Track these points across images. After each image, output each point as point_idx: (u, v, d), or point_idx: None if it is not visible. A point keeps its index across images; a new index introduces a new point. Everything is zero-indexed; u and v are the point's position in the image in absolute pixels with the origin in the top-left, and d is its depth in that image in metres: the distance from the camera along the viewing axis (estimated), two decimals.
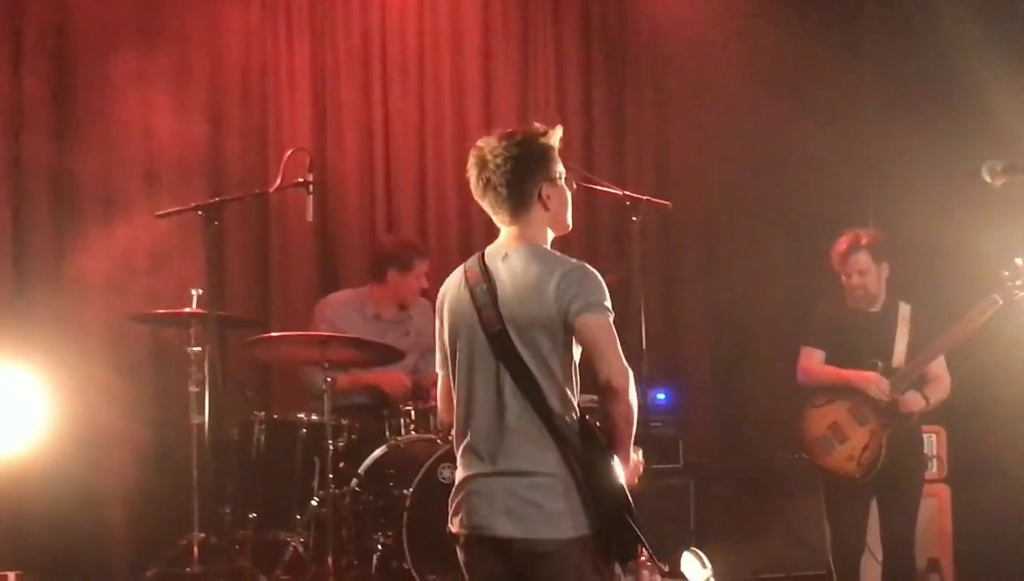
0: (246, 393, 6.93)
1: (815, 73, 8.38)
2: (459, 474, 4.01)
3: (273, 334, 6.75)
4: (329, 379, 6.34)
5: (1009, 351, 7.06)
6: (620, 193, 6.62)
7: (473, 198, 8.06)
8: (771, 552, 7.29)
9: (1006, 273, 6.20)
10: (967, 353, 6.60)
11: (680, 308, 8.65)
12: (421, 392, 6.94)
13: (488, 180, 4.01)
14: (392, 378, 6.97)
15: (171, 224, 6.75)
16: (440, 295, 4.16)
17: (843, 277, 6.57)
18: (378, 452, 6.45)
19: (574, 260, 3.96)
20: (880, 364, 6.41)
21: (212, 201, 6.48)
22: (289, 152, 6.45)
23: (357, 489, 6.37)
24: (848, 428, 6.48)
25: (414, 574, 5.98)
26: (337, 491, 6.29)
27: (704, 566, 6.80)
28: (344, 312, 7.08)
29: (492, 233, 8.14)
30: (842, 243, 6.56)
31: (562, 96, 8.60)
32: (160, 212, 6.56)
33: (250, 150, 7.93)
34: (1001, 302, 6.18)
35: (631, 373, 3.87)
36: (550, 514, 3.77)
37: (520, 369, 3.82)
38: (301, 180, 6.32)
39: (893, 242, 6.67)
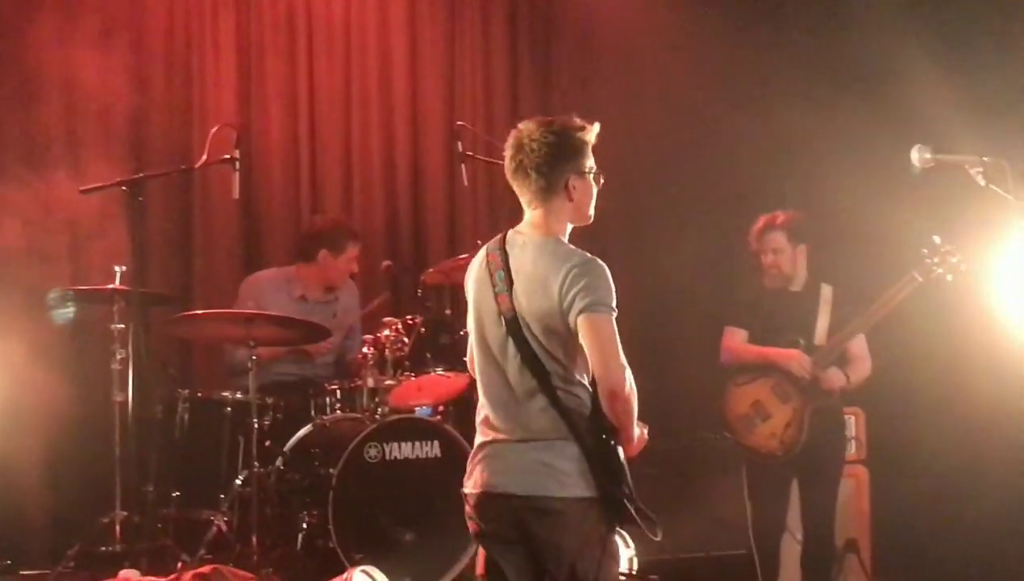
0: (169, 371, 6.86)
1: (739, 58, 8.43)
2: (477, 440, 4.24)
3: (198, 312, 6.69)
4: (255, 357, 6.29)
5: (927, 335, 7.17)
6: None
7: (399, 174, 8.21)
8: (693, 532, 7.28)
9: (925, 251, 6.29)
10: (887, 337, 6.69)
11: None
12: (347, 371, 6.91)
13: (521, 162, 4.15)
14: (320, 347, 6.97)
15: (95, 199, 6.63)
16: (468, 270, 4.34)
17: (760, 256, 6.64)
18: (304, 431, 6.43)
19: (585, 255, 4.07)
20: (802, 342, 6.48)
21: (136, 177, 6.41)
22: (215, 128, 6.39)
23: (282, 468, 6.35)
24: (771, 406, 6.55)
25: (339, 553, 5.95)
26: (262, 470, 6.26)
27: (627, 546, 6.84)
28: (269, 291, 7.03)
29: (419, 210, 8.24)
30: (759, 222, 6.63)
31: (488, 74, 8.58)
32: (84, 187, 6.46)
33: (174, 120, 7.84)
34: (920, 279, 6.26)
35: (628, 370, 3.95)
36: (558, 473, 3.93)
37: (529, 352, 3.97)
38: (227, 156, 6.26)
39: (812, 224, 6.73)
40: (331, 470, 6.09)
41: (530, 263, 4.06)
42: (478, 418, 4.22)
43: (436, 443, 6.34)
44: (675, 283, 8.43)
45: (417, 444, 6.30)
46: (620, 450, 3.99)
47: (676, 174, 8.60)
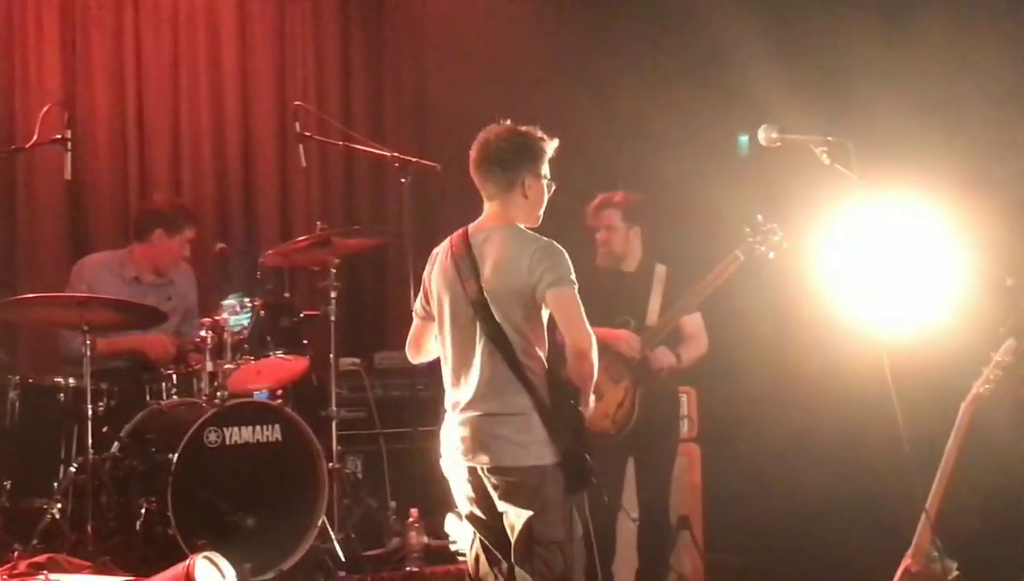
0: None
1: (576, 38, 8.50)
2: (447, 414, 4.80)
3: (29, 295, 6.45)
4: (89, 342, 6.13)
5: (757, 313, 7.32)
6: (389, 154, 6.59)
7: (230, 154, 8.06)
8: None
9: (747, 229, 6.40)
10: (718, 315, 6.80)
11: None
12: (184, 356, 6.78)
13: (486, 156, 4.65)
14: (155, 340, 6.75)
15: None
16: (432, 257, 4.88)
17: (595, 233, 6.65)
18: (140, 416, 6.29)
19: (544, 239, 4.58)
20: (632, 322, 6.53)
21: None
22: (46, 107, 6.19)
23: (118, 454, 6.19)
24: (603, 386, 6.59)
25: (179, 539, 5.84)
26: (97, 456, 6.10)
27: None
28: (102, 273, 6.84)
29: (251, 191, 8.11)
30: (596, 199, 6.67)
31: (320, 52, 8.51)
32: None
33: None
34: (743, 258, 6.36)
35: (594, 338, 4.53)
36: (515, 445, 4.47)
37: (495, 330, 4.52)
38: (59, 136, 6.07)
39: (649, 206, 6.80)
40: (170, 455, 5.97)
41: (497, 248, 4.57)
42: (448, 394, 4.79)
43: (277, 427, 6.26)
44: None
45: (257, 428, 6.22)
46: (582, 413, 4.53)
47: None
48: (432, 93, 8.75)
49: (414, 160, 6.61)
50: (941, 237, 4.99)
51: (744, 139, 7.47)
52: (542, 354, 4.58)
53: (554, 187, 4.72)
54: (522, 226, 4.65)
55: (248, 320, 6.48)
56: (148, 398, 6.50)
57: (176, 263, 7.00)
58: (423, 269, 4.93)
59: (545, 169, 4.67)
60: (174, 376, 6.54)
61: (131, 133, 7.94)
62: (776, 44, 7.64)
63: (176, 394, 6.50)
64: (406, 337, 5.96)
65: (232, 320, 6.46)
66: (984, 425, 4.52)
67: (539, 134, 4.66)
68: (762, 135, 4.29)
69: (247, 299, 6.50)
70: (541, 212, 4.72)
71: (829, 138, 4.22)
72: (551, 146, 4.67)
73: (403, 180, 6.54)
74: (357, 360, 7.60)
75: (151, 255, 6.92)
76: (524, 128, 4.66)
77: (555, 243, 4.57)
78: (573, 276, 4.55)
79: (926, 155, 7.08)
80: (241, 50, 8.24)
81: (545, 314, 4.60)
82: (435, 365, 7.84)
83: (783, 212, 6.51)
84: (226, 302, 6.51)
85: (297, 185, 8.26)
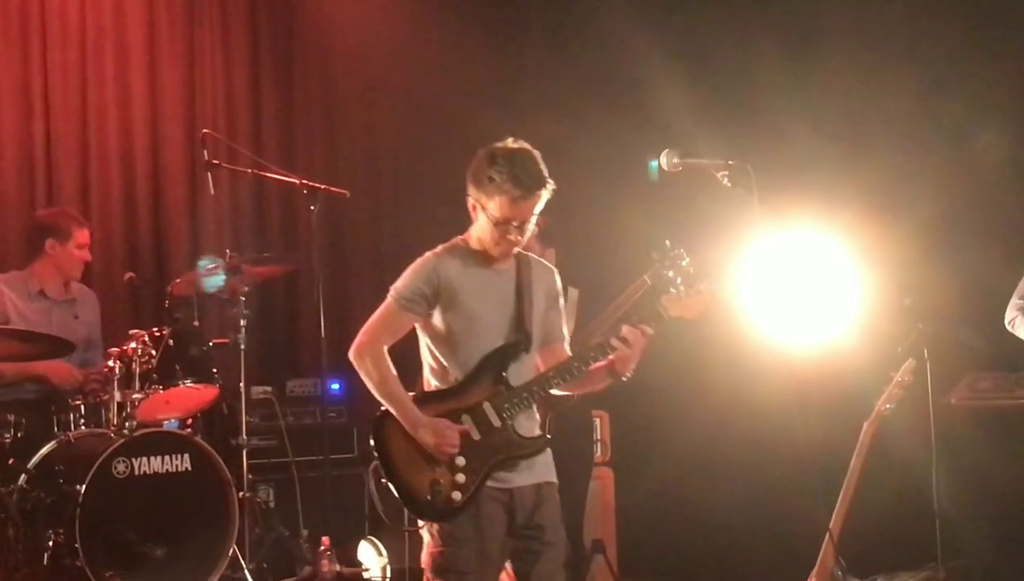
0: None
1: (486, 64, 8.54)
2: None
3: None
4: None
5: (669, 335, 7.36)
6: (298, 182, 6.59)
7: (138, 181, 7.98)
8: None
9: (655, 255, 6.44)
10: None
11: (353, 298, 8.63)
12: (91, 386, 6.70)
13: None
14: (60, 368, 6.63)
15: None
16: None
17: None
18: (48, 447, 6.20)
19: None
20: None
21: None
22: None
23: (25, 486, 6.10)
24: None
25: (88, 571, 5.78)
26: (3, 489, 6.01)
27: (380, 554, 6.86)
28: (4, 292, 6.74)
29: (160, 219, 8.05)
30: None
31: (229, 85, 8.46)
32: None
33: None
34: (649, 282, 6.41)
35: (358, 347, 4.43)
36: None
37: None
38: None
39: (561, 228, 6.83)
40: (77, 486, 5.90)
41: None
42: None
43: (187, 456, 6.23)
44: None
45: (167, 458, 6.17)
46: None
47: (421, 182, 8.64)
48: (341, 122, 8.74)
49: (323, 187, 6.61)
50: (843, 259, 5.07)
51: (654, 164, 7.51)
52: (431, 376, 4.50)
53: (498, 229, 4.36)
54: (468, 236, 4.48)
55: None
56: (56, 429, 6.41)
57: (78, 267, 6.90)
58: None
59: (492, 206, 4.33)
60: (82, 407, 6.44)
61: (38, 157, 7.83)
62: (685, 69, 7.73)
63: (85, 424, 6.41)
64: (319, 364, 6.00)
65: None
66: (886, 444, 4.59)
67: (486, 156, 4.39)
68: (664, 160, 4.34)
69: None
70: (490, 246, 4.39)
71: (730, 162, 4.27)
72: (500, 178, 4.32)
73: (312, 207, 6.53)
74: (269, 388, 7.57)
75: (52, 267, 6.80)
76: (486, 150, 4.42)
77: (431, 252, 4.48)
78: (399, 285, 4.42)
79: (831, 178, 7.21)
80: (150, 79, 8.17)
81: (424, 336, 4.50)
82: (348, 394, 7.92)
83: (693, 235, 6.57)
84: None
85: (206, 213, 8.19)
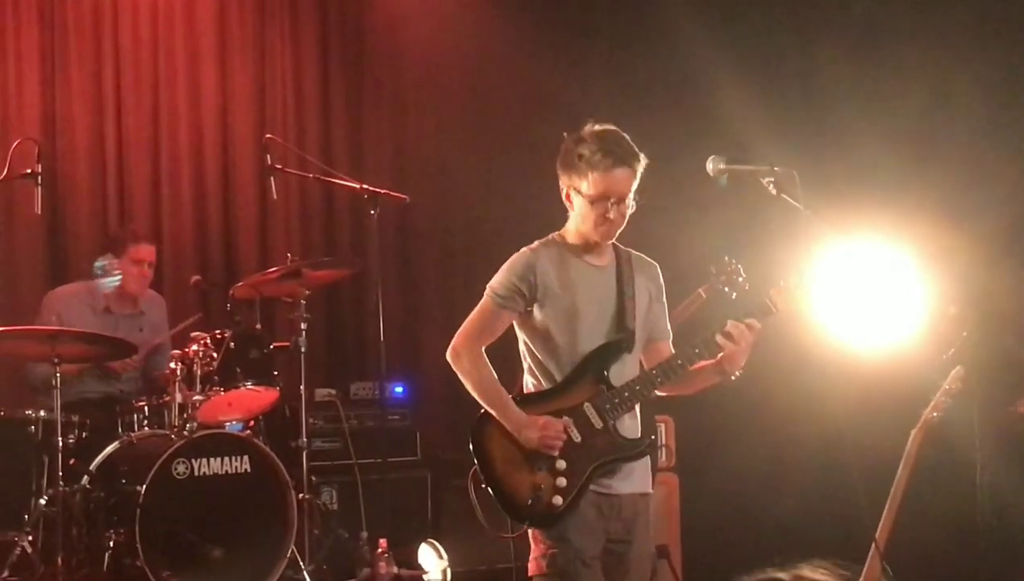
0: None
1: (548, 73, 8.54)
2: None
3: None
4: (59, 374, 6.15)
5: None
6: (358, 186, 6.64)
7: (209, 188, 8.09)
8: (507, 542, 7.32)
9: (712, 269, 6.40)
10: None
11: (418, 302, 8.69)
12: (155, 387, 6.80)
13: None
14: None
15: None
16: None
17: None
18: (110, 448, 6.31)
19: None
20: None
21: None
22: (16, 142, 6.23)
23: (88, 487, 6.21)
24: None
25: (147, 571, 5.86)
26: (67, 489, 6.12)
27: (441, 557, 6.87)
28: (72, 304, 6.87)
29: (230, 224, 8.15)
30: None
31: (299, 87, 8.53)
32: None
33: None
34: (704, 296, 6.37)
35: (455, 348, 4.34)
36: None
37: None
38: (29, 171, 6.10)
39: (621, 236, 6.80)
40: (138, 487, 5.99)
41: None
42: None
43: (246, 458, 6.28)
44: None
45: (226, 459, 6.23)
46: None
47: (489, 189, 8.66)
48: (411, 129, 8.79)
49: (383, 192, 6.64)
50: (910, 265, 4.99)
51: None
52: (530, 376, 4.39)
53: (595, 208, 4.25)
54: (565, 231, 4.37)
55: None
56: (120, 430, 6.51)
57: (138, 283, 6.98)
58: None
59: (582, 183, 4.25)
60: (146, 408, 6.54)
61: (111, 169, 7.96)
62: (750, 74, 7.67)
63: (148, 426, 6.50)
64: (379, 367, 5.98)
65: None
66: (934, 452, 4.53)
67: (572, 140, 4.34)
68: (710, 165, 4.30)
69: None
70: (589, 229, 4.28)
71: (776, 168, 4.21)
72: (589, 153, 4.25)
73: (372, 211, 6.57)
74: (332, 391, 7.62)
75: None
76: (572, 135, 4.37)
77: (527, 248, 4.36)
78: (494, 283, 4.33)
79: (899, 183, 7.12)
80: (221, 87, 8.27)
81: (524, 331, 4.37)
82: (412, 397, 7.96)
83: (753, 241, 6.52)
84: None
85: (275, 219, 8.28)
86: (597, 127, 4.36)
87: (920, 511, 4.64)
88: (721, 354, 4.27)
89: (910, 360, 4.59)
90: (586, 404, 4.25)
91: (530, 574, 4.30)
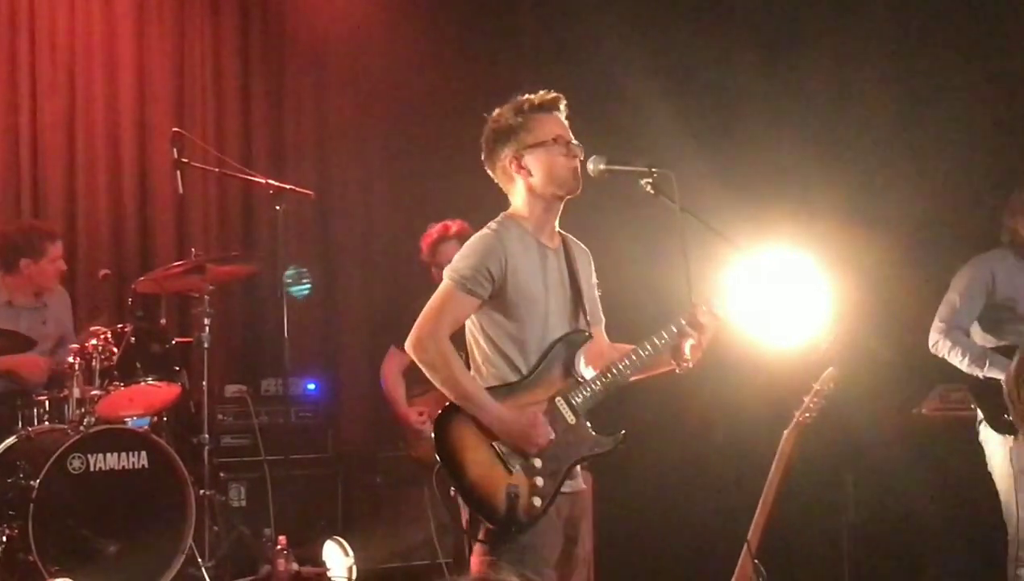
0: None
1: (471, 74, 8.55)
2: None
3: None
4: None
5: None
6: (263, 181, 6.61)
7: (125, 181, 8.00)
8: (418, 539, 7.35)
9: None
10: None
11: (337, 299, 8.67)
12: (56, 380, 6.74)
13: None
14: (29, 361, 6.65)
15: None
16: None
17: (433, 269, 6.53)
18: (8, 442, 6.27)
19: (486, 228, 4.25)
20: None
21: None
22: None
23: None
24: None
25: (40, 566, 5.83)
26: None
27: (347, 554, 6.87)
28: None
29: (146, 218, 8.09)
30: (432, 233, 6.60)
31: (218, 83, 8.44)
32: None
33: None
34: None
35: (420, 339, 4.09)
36: None
37: None
38: None
39: None
40: (32, 482, 5.96)
41: None
42: None
43: (143, 454, 6.27)
44: (407, 293, 8.42)
45: (123, 455, 6.22)
46: None
47: (410, 184, 8.65)
48: (333, 126, 8.76)
49: (288, 187, 6.63)
50: (818, 268, 5.03)
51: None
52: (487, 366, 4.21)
53: (559, 148, 4.24)
54: (517, 212, 4.26)
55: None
56: (19, 424, 6.46)
57: (53, 281, 6.92)
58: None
59: (533, 135, 4.22)
60: (47, 402, 6.50)
61: (24, 158, 7.85)
62: (666, 80, 7.71)
63: (48, 420, 6.46)
64: (283, 364, 5.93)
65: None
66: (807, 453, 4.55)
67: (501, 113, 4.30)
68: (590, 166, 4.30)
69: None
70: (560, 176, 4.22)
71: (654, 169, 4.22)
72: (528, 107, 4.27)
73: (278, 207, 6.56)
74: (243, 387, 7.60)
75: (25, 282, 6.81)
76: (494, 115, 4.32)
77: (486, 229, 4.21)
78: (460, 266, 4.12)
79: (808, 187, 7.18)
80: (138, 80, 8.17)
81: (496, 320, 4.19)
82: (324, 393, 7.93)
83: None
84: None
85: (193, 213, 8.20)
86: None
87: (793, 511, 4.66)
88: (688, 341, 4.18)
89: (833, 361, 4.60)
90: (558, 398, 4.10)
91: (475, 573, 4.04)
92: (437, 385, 4.08)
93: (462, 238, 6.44)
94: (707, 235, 4.33)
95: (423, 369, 4.10)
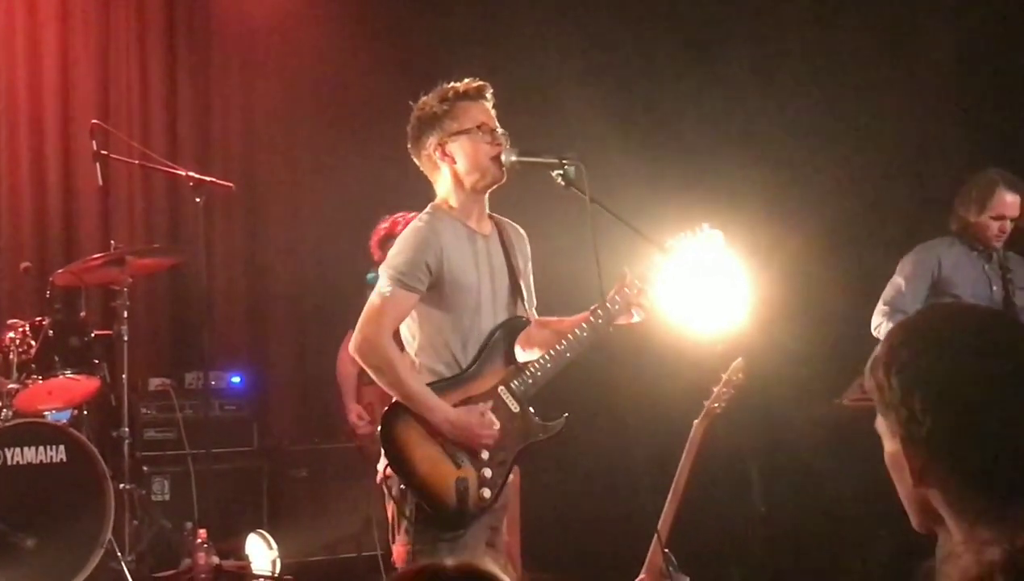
0: None
1: (401, 66, 8.53)
2: None
3: None
4: None
5: None
6: (183, 174, 6.58)
7: (49, 174, 7.92)
8: (346, 532, 7.34)
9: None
10: None
11: (266, 292, 8.63)
12: None
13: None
14: None
15: None
16: None
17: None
18: None
19: (417, 220, 4.20)
20: None
21: None
22: None
23: None
24: (381, 409, 6.56)
25: None
26: None
27: (271, 548, 6.85)
28: None
29: (70, 212, 8.02)
30: (380, 230, 6.62)
31: (145, 74, 8.40)
32: None
33: None
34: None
35: (365, 341, 4.06)
36: None
37: None
38: None
39: None
40: None
41: None
42: None
43: (62, 447, 6.23)
44: (335, 285, 8.41)
45: (41, 449, 6.18)
46: None
47: (336, 176, 8.63)
48: (260, 120, 8.72)
49: (208, 179, 6.60)
50: (741, 260, 5.07)
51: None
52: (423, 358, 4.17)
53: (484, 136, 4.22)
54: (444, 201, 4.24)
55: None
56: None
57: None
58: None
59: (458, 123, 4.20)
60: None
61: None
62: (595, 74, 7.75)
63: None
64: (213, 356, 5.89)
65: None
66: (718, 443, 4.58)
67: (425, 102, 4.26)
68: (503, 157, 4.30)
69: None
70: (484, 164, 4.19)
71: (564, 161, 4.23)
72: (452, 96, 4.24)
73: (198, 200, 6.53)
74: (167, 380, 7.55)
75: None
76: (420, 103, 4.29)
77: (417, 222, 4.18)
78: (399, 263, 4.07)
79: (731, 180, 7.23)
80: (63, 85, 8.11)
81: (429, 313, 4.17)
82: (249, 387, 7.90)
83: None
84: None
85: (112, 204, 8.12)
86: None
87: (703, 501, 4.70)
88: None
89: (756, 352, 4.64)
90: (500, 387, 4.10)
91: (397, 562, 4.07)
92: (383, 387, 4.09)
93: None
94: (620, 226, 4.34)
95: (369, 372, 4.10)
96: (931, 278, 6.05)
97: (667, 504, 4.56)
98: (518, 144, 4.36)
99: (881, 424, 2.04)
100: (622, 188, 6.66)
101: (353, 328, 6.50)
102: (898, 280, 6.10)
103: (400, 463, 4.01)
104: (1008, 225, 5.97)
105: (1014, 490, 1.92)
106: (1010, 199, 5.94)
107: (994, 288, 6.06)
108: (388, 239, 6.50)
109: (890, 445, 2.04)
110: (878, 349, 2.04)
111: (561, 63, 7.80)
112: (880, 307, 6.01)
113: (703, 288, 4.45)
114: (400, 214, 6.57)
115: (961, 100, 7.18)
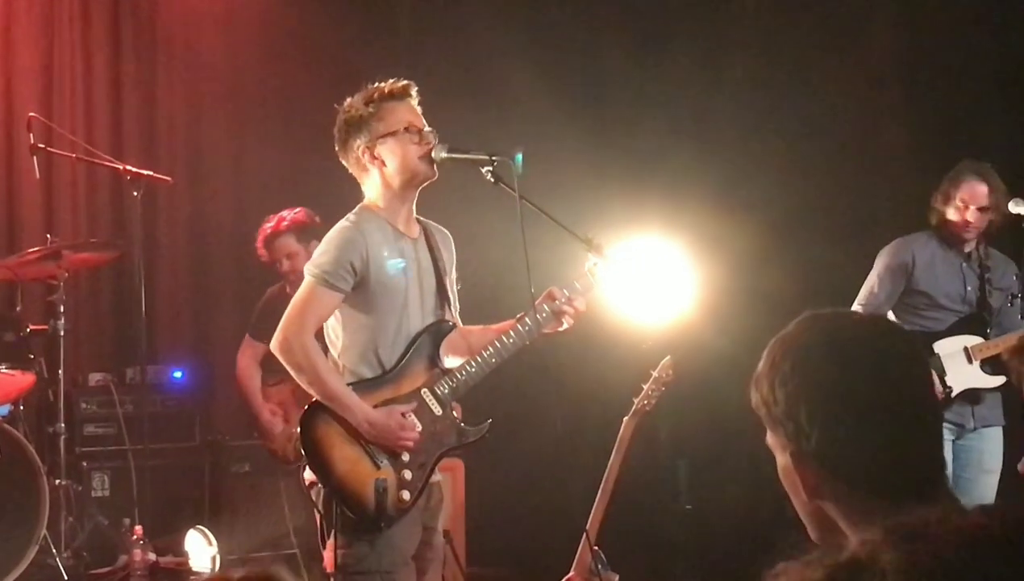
0: None
1: (348, 56, 8.48)
2: None
3: None
4: None
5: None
6: (121, 168, 6.51)
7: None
8: (288, 527, 7.29)
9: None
10: None
11: (208, 287, 8.55)
12: None
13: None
14: None
15: None
16: None
17: (276, 265, 6.58)
18: None
19: (343, 221, 4.20)
20: None
21: None
22: None
23: None
24: (291, 410, 6.52)
25: None
26: None
27: (210, 544, 6.79)
28: None
29: (13, 205, 7.92)
30: (263, 232, 6.61)
31: (88, 69, 8.28)
32: None
33: None
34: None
35: (286, 340, 4.05)
36: None
37: None
38: None
39: (317, 220, 6.68)
40: None
41: None
42: None
43: None
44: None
45: None
46: None
47: (279, 171, 8.56)
48: (206, 115, 8.64)
49: (146, 173, 6.52)
50: (687, 256, 5.05)
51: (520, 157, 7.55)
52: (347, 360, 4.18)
53: (411, 137, 4.19)
54: (372, 202, 4.23)
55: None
56: None
57: None
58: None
59: (385, 124, 4.18)
60: None
61: None
62: (540, 65, 7.71)
63: None
64: (155, 351, 5.81)
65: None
66: (647, 439, 4.57)
67: (350, 104, 4.27)
68: (433, 154, 4.26)
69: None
70: (413, 165, 4.17)
71: (494, 157, 4.20)
72: (378, 97, 4.21)
73: (136, 193, 6.46)
74: (107, 375, 7.47)
75: None
76: (344, 106, 4.30)
77: (344, 222, 4.17)
78: (323, 261, 4.07)
79: (679, 175, 7.22)
80: (5, 64, 7.99)
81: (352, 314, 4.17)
82: (191, 382, 7.82)
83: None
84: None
85: (54, 198, 8.04)
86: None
87: (634, 498, 4.69)
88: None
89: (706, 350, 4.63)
90: (423, 390, 4.13)
91: (331, 569, 4.04)
92: (304, 386, 4.07)
93: (296, 230, 6.44)
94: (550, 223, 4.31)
95: (289, 371, 4.08)
96: (905, 274, 5.93)
97: (596, 502, 4.54)
98: (447, 140, 4.33)
99: (771, 439, 2.01)
100: (570, 183, 6.68)
101: (249, 333, 6.58)
102: (872, 279, 5.98)
103: (319, 463, 3.99)
104: (978, 215, 5.78)
105: (905, 494, 1.90)
106: (977, 187, 5.78)
107: (968, 287, 5.93)
108: (273, 238, 6.48)
109: (782, 459, 2.01)
110: (760, 364, 2.01)
111: (507, 57, 7.76)
112: (855, 307, 5.92)
113: (642, 288, 4.44)
114: (287, 210, 6.62)
115: (907, 94, 7.19)
